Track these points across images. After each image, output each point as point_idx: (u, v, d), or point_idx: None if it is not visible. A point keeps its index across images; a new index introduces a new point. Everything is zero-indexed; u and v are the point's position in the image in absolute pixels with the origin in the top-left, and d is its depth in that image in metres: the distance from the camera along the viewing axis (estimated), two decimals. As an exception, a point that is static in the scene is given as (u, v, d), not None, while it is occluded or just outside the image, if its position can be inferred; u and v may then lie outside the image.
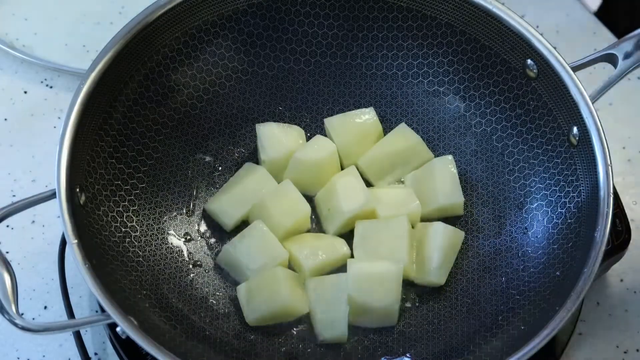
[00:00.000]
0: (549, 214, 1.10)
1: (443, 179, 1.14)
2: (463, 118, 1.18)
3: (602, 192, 1.03)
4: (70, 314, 1.13)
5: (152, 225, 1.12)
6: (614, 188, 1.04)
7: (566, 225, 1.07)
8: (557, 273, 1.05)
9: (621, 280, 1.19)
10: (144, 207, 1.12)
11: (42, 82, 1.33)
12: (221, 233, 1.15)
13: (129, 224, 1.10)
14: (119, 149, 1.11)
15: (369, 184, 1.17)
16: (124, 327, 0.95)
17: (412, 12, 1.16)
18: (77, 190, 1.03)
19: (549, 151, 1.11)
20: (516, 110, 1.14)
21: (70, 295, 1.14)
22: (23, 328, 0.95)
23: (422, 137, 1.18)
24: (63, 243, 1.15)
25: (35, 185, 1.25)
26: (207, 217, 1.16)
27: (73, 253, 0.98)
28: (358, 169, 1.16)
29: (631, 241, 1.14)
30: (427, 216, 1.15)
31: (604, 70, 1.13)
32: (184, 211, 1.15)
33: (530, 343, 0.97)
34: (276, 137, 1.16)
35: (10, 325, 0.95)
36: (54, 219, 1.21)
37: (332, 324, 1.07)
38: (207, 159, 1.18)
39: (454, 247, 1.12)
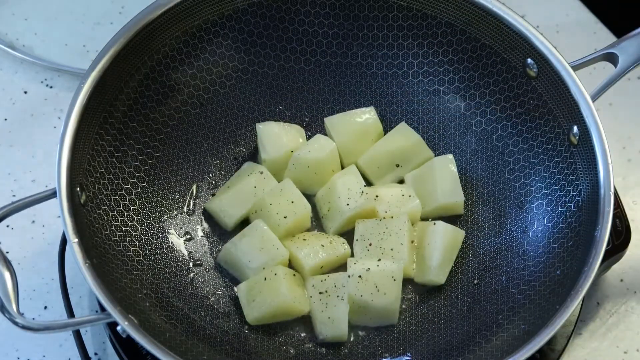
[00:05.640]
0: (550, 213, 1.10)
1: (443, 178, 1.14)
2: (463, 117, 1.18)
3: (602, 191, 1.03)
4: (71, 313, 1.13)
5: (152, 224, 1.12)
6: (614, 188, 1.04)
7: (566, 224, 1.07)
8: (558, 272, 1.05)
9: (621, 280, 1.19)
10: (144, 207, 1.12)
11: (42, 82, 1.33)
12: (221, 232, 1.15)
13: (129, 223, 1.10)
14: (119, 148, 1.11)
15: (369, 183, 1.17)
16: (124, 326, 0.95)
17: (412, 12, 1.16)
18: (78, 189, 1.03)
19: (550, 150, 1.11)
20: (516, 109, 1.14)
21: (70, 295, 1.14)
22: (24, 327, 0.95)
23: (422, 136, 1.18)
24: (63, 243, 1.15)
25: (35, 185, 1.25)
26: (207, 216, 1.16)
27: (73, 252, 0.98)
28: (358, 168, 1.16)
29: (631, 241, 1.14)
30: (427, 215, 1.15)
31: (604, 70, 1.13)
32: (184, 210, 1.15)
33: (531, 342, 0.97)
34: (276, 136, 1.16)
35: (10, 325, 0.95)
36: (54, 219, 1.21)
37: (332, 323, 1.07)
38: (208, 158, 1.18)
39: (454, 246, 1.12)
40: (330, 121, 1.18)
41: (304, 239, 1.12)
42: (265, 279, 1.07)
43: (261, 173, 1.15)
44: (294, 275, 1.10)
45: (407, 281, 1.12)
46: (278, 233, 1.11)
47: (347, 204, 1.12)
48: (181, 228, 1.14)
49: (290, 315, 1.09)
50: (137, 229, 1.10)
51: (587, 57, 1.11)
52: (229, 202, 1.14)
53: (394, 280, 1.07)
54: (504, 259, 1.11)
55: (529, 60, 1.11)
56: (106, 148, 1.09)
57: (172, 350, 0.96)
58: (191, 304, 1.09)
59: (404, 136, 1.17)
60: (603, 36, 1.38)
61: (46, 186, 1.24)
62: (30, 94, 1.32)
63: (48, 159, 1.26)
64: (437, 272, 1.10)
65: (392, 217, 1.12)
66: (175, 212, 1.15)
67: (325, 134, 1.18)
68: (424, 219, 1.15)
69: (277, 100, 1.20)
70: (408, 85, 1.20)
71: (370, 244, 1.11)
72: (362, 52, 1.20)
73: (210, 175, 1.18)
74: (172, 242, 1.13)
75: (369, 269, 1.07)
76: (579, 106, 1.07)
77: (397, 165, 1.17)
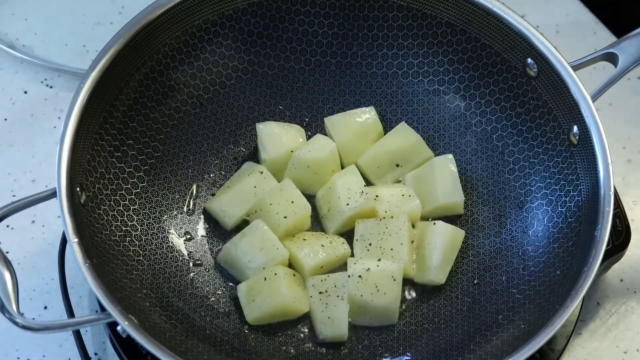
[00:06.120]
0: (550, 212, 1.10)
1: (443, 177, 1.14)
2: (463, 117, 1.18)
3: (602, 191, 1.03)
4: (71, 313, 1.13)
5: (152, 224, 1.12)
6: (614, 188, 1.04)
7: (566, 224, 1.07)
8: (558, 272, 1.05)
9: (621, 280, 1.19)
10: (144, 206, 1.12)
11: (42, 82, 1.33)
12: (221, 232, 1.15)
13: (129, 223, 1.10)
14: (119, 148, 1.11)
15: (369, 182, 1.17)
16: (124, 326, 0.95)
17: (412, 11, 1.16)
18: (78, 189, 1.03)
19: (550, 150, 1.11)
20: (516, 109, 1.14)
21: (70, 295, 1.14)
22: (24, 327, 0.95)
23: (422, 136, 1.18)
24: (63, 243, 1.15)
25: (35, 185, 1.25)
26: (207, 216, 1.16)
27: (73, 252, 0.98)
28: (358, 168, 1.16)
29: (631, 241, 1.14)
30: (427, 215, 1.15)
31: (604, 70, 1.13)
32: (184, 210, 1.15)
33: (531, 342, 0.97)
34: (276, 136, 1.16)
35: (10, 325, 0.95)
36: (54, 219, 1.21)
37: (332, 322, 1.07)
38: (208, 158, 1.18)
39: (454, 246, 1.12)
40: (330, 121, 1.18)
41: (304, 239, 1.12)
42: (265, 279, 1.07)
43: (261, 173, 1.15)
44: (294, 275, 1.10)
45: (407, 281, 1.12)
46: (278, 233, 1.11)
47: (347, 204, 1.12)
48: (181, 228, 1.14)
49: (290, 315, 1.09)
50: (137, 229, 1.10)
51: (587, 57, 1.11)
52: (229, 202, 1.14)
53: (394, 280, 1.07)
54: (504, 259, 1.11)
55: (529, 60, 1.11)
56: (106, 148, 1.09)
57: (172, 350, 0.96)
58: (191, 304, 1.09)
59: (404, 136, 1.17)
60: (603, 36, 1.38)
61: (46, 186, 1.24)
62: (30, 94, 1.32)
63: (48, 159, 1.26)
64: (437, 272, 1.10)
65: (392, 217, 1.12)
66: (175, 212, 1.15)
67: (325, 134, 1.18)
68: (424, 219, 1.15)
69: (277, 100, 1.21)
70: (408, 85, 1.20)
71: (370, 244, 1.11)
72: (362, 52, 1.20)
73: (210, 175, 1.18)
74: (172, 242, 1.13)
75: (369, 269, 1.07)
76: (579, 106, 1.07)
77: (397, 165, 1.17)
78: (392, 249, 1.10)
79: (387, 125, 1.20)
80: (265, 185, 1.14)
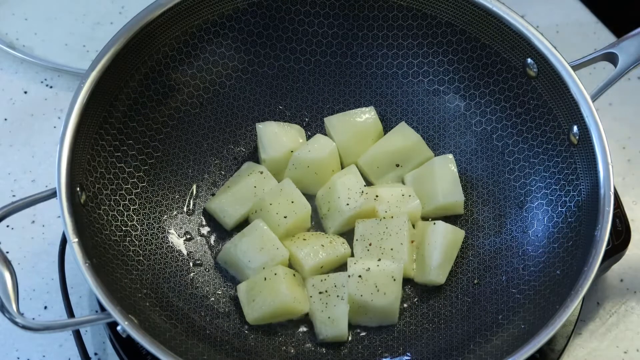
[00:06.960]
0: (550, 212, 1.10)
1: (443, 177, 1.14)
2: (463, 117, 1.18)
3: (602, 191, 1.03)
4: (71, 313, 1.13)
5: (152, 224, 1.12)
6: (614, 188, 1.04)
7: (566, 224, 1.07)
8: (558, 272, 1.05)
9: (621, 280, 1.19)
10: (144, 206, 1.12)
11: (42, 82, 1.33)
12: (221, 232, 1.15)
13: (129, 223, 1.10)
14: (119, 148, 1.11)
15: (369, 182, 1.17)
16: (124, 326, 0.95)
17: (412, 11, 1.16)
18: (78, 189, 1.03)
19: (549, 150, 1.11)
20: (516, 109, 1.14)
21: (70, 295, 1.14)
22: (24, 327, 0.95)
23: (422, 136, 1.18)
24: (63, 243, 1.15)
25: (35, 185, 1.25)
26: (207, 216, 1.16)
27: (73, 252, 0.98)
28: (358, 168, 1.16)
29: (631, 241, 1.14)
30: (427, 215, 1.15)
31: (604, 70, 1.13)
32: (184, 210, 1.15)
33: (531, 342, 0.97)
34: (276, 136, 1.16)
35: (10, 325, 0.95)
36: (54, 218, 1.21)
37: (332, 322, 1.07)
38: (208, 158, 1.18)
39: (454, 246, 1.12)
40: (330, 121, 1.18)
41: (304, 239, 1.12)
42: (265, 278, 1.07)
43: (261, 173, 1.15)
44: (294, 275, 1.10)
45: (407, 281, 1.12)
46: (278, 233, 1.11)
47: (347, 204, 1.12)
48: (181, 228, 1.14)
49: (290, 315, 1.09)
50: (137, 229, 1.10)
51: (587, 57, 1.12)
52: (229, 202, 1.14)
53: (394, 280, 1.07)
54: (504, 259, 1.11)
55: (529, 60, 1.12)
56: (106, 148, 1.09)
57: (172, 350, 0.96)
58: (191, 304, 1.09)
59: (404, 136, 1.17)
60: (603, 36, 1.39)
61: (46, 186, 1.24)
62: (30, 94, 1.32)
63: (48, 159, 1.27)
64: (437, 272, 1.10)
65: (392, 217, 1.12)
66: (175, 212, 1.15)
67: (325, 134, 1.18)
68: (424, 218, 1.15)
69: (277, 100, 1.21)
70: (408, 85, 1.20)
71: (370, 244, 1.11)
72: (362, 52, 1.20)
73: (210, 175, 1.18)
74: (172, 242, 1.13)
75: (369, 268, 1.07)
76: (579, 106, 1.07)
77: (397, 165, 1.18)
78: (392, 249, 1.10)
79: (387, 125, 1.20)
80: (265, 185, 1.14)
